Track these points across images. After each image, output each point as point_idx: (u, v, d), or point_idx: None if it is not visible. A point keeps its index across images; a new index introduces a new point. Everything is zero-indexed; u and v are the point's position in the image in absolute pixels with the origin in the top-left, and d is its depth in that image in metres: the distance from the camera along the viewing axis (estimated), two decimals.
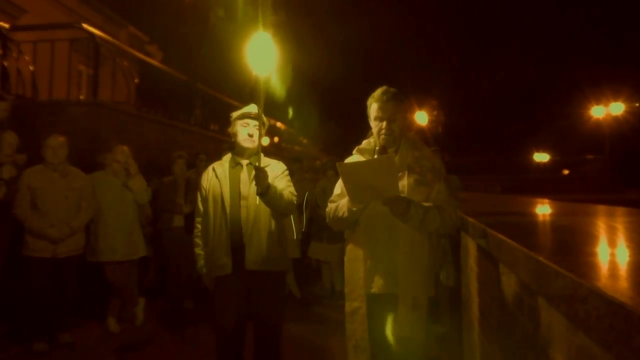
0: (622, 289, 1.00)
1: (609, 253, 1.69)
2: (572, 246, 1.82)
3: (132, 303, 4.94)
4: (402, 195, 2.38)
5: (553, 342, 1.41)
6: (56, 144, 4.31)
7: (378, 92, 2.56)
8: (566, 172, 33.54)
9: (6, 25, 7.10)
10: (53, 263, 4.25)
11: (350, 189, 2.41)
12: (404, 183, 2.44)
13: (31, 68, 7.33)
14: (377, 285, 2.46)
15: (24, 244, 4.22)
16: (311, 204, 6.04)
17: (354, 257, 2.54)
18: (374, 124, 2.57)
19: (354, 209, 2.44)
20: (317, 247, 5.99)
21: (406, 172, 2.47)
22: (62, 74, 7.67)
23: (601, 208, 4.20)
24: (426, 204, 2.40)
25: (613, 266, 1.39)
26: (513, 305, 1.93)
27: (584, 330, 1.05)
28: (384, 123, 2.51)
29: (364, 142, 2.69)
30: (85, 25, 7.22)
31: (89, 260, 4.62)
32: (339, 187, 2.65)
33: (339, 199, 2.59)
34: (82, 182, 4.49)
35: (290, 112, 20.45)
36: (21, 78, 7.30)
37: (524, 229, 2.57)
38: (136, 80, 8.94)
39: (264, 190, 2.78)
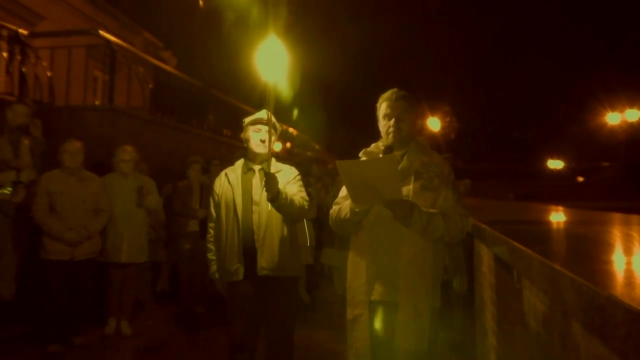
0: (638, 297, 1.00)
1: (625, 261, 1.67)
2: (587, 254, 1.81)
3: (126, 311, 4.90)
4: (406, 199, 2.32)
5: (569, 350, 1.40)
6: (73, 149, 4.38)
7: (388, 92, 2.55)
8: (581, 179, 33.22)
9: (25, 32, 7.21)
10: (70, 266, 4.30)
11: (351, 188, 2.36)
12: (409, 187, 2.38)
13: (48, 74, 7.44)
14: (378, 292, 2.39)
15: (41, 246, 4.28)
16: (323, 210, 6.04)
17: (356, 262, 2.50)
18: (382, 124, 2.53)
19: (357, 209, 2.39)
20: (329, 252, 5.99)
21: (413, 177, 2.41)
22: (79, 80, 7.79)
23: (617, 216, 4.16)
24: (431, 210, 2.34)
25: (629, 274, 1.37)
26: (528, 313, 1.92)
27: (600, 338, 1.05)
28: (392, 121, 2.47)
29: (372, 145, 2.64)
30: (101, 32, 7.32)
31: (98, 260, 4.69)
32: (344, 189, 2.58)
33: (344, 201, 2.54)
34: (98, 186, 4.57)
35: (303, 117, 20.51)
36: (39, 83, 7.41)
37: (539, 236, 2.55)
38: (151, 86, 9.05)
39: (274, 196, 2.78)
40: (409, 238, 2.34)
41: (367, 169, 2.32)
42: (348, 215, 2.45)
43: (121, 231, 4.73)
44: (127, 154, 4.89)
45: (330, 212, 2.63)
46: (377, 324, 2.40)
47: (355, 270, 2.50)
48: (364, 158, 2.61)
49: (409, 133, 2.50)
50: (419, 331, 2.29)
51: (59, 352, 4.16)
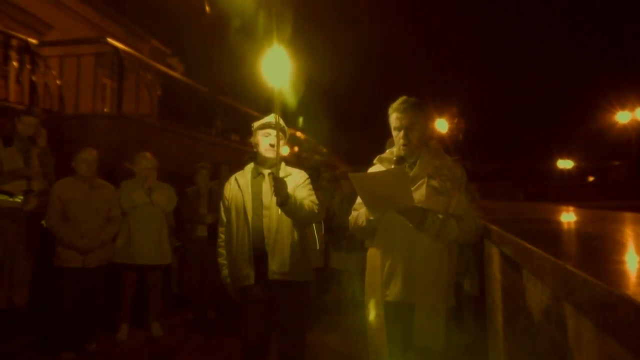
0: None
1: (638, 260, 1.66)
2: (599, 254, 1.79)
3: (156, 313, 5.02)
4: (419, 204, 2.36)
5: (582, 350, 1.39)
6: (90, 158, 4.42)
7: (397, 102, 2.55)
8: (591, 178, 32.94)
9: (34, 41, 7.30)
10: (83, 273, 4.33)
11: (365, 199, 2.43)
12: (422, 192, 2.43)
13: (58, 82, 7.52)
14: (393, 293, 2.45)
15: (55, 254, 4.32)
16: (329, 214, 6.03)
17: (373, 265, 2.54)
18: (394, 134, 2.57)
19: (371, 218, 2.46)
20: (336, 256, 5.99)
21: (425, 181, 2.46)
22: (88, 88, 7.88)
23: (628, 215, 4.12)
24: (444, 214, 2.38)
25: None
26: (539, 314, 1.91)
27: (614, 338, 1.04)
28: (402, 133, 2.50)
29: (387, 151, 2.69)
30: (109, 40, 7.40)
31: (116, 262, 4.75)
32: None
33: (361, 207, 2.60)
34: (110, 194, 4.61)
35: (310, 120, 20.52)
36: (48, 92, 7.49)
37: (550, 236, 2.53)
38: (159, 93, 9.11)
39: (284, 200, 2.79)
40: (423, 240, 2.40)
41: (378, 180, 2.37)
42: (364, 223, 2.52)
43: (140, 234, 4.80)
44: (147, 161, 4.96)
45: (349, 217, 2.71)
46: (394, 324, 2.44)
47: (372, 271, 2.55)
48: (377, 164, 2.67)
49: (420, 141, 2.54)
50: (437, 329, 2.36)
51: (72, 359, 4.19)
